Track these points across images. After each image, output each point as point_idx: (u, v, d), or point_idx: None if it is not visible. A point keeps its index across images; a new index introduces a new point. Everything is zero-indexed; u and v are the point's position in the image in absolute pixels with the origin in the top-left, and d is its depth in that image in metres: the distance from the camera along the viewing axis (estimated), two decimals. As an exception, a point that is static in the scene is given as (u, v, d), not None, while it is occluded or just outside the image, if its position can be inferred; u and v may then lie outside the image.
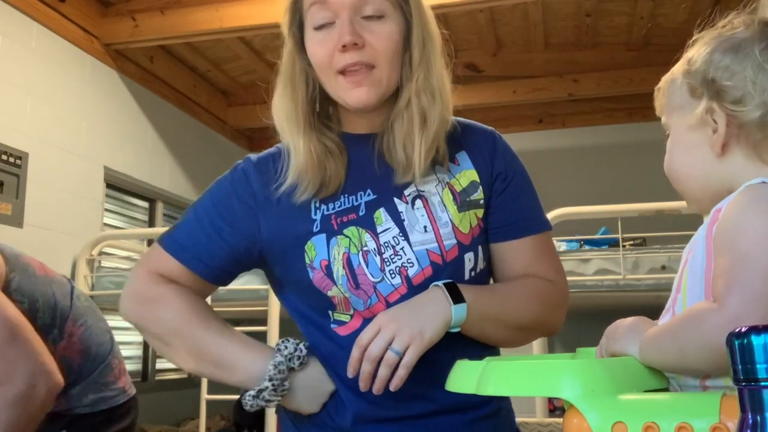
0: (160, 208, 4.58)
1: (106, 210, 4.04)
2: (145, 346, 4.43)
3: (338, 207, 1.03)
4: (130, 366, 4.26)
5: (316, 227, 1.02)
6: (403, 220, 1.01)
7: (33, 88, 3.38)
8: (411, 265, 0.99)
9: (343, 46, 0.96)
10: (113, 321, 4.10)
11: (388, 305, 0.98)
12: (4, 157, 3.15)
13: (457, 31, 4.41)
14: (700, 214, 0.81)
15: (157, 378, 4.48)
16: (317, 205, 1.03)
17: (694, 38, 0.82)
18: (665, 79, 0.83)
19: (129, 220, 4.35)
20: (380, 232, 1.01)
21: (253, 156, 1.11)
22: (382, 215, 1.02)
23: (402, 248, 1.00)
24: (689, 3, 3.98)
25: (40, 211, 3.36)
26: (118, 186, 4.17)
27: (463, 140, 1.08)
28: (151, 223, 4.52)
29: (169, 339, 1.05)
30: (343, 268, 0.99)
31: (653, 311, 0.82)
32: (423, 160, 1.00)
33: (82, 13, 3.78)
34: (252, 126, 5.48)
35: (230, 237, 1.05)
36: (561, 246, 3.23)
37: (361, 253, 0.99)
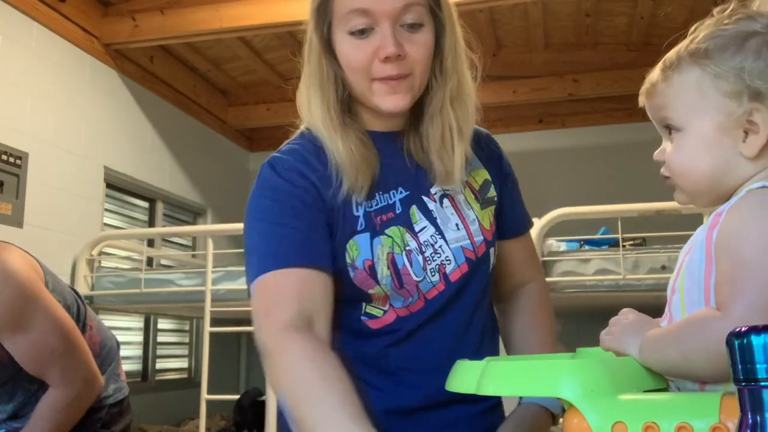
0: (160, 208, 4.58)
1: (106, 210, 4.03)
2: (145, 346, 4.43)
3: (376, 205, 1.02)
4: (131, 366, 4.26)
5: (361, 225, 1.00)
6: (436, 218, 1.04)
7: (33, 88, 3.38)
8: (449, 262, 1.03)
9: (386, 58, 0.95)
10: (114, 321, 4.12)
11: (426, 302, 1.01)
12: (4, 157, 3.15)
13: (457, 31, 4.40)
14: (697, 207, 0.80)
15: (157, 378, 4.48)
16: (358, 201, 1.01)
17: (695, 28, 0.78)
18: (670, 74, 0.78)
19: (129, 220, 4.35)
20: (418, 231, 1.02)
21: (277, 154, 1.04)
22: (416, 213, 1.03)
23: (440, 246, 1.03)
24: (689, 3, 3.98)
25: (40, 211, 3.36)
26: (118, 186, 4.17)
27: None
28: (151, 223, 4.52)
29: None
30: (388, 268, 0.99)
31: (653, 311, 0.81)
32: (462, 168, 1.03)
33: (82, 13, 3.78)
34: (252, 126, 5.48)
35: (316, 223, 0.99)
36: (561, 246, 3.23)
37: (404, 252, 1.00)
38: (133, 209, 4.41)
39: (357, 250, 1.00)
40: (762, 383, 0.44)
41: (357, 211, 1.01)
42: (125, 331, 4.29)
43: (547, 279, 3.03)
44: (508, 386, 0.66)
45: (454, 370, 0.77)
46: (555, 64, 4.77)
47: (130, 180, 4.20)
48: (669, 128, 0.79)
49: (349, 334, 1.03)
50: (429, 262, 1.01)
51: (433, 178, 1.04)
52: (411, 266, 1.00)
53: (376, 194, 1.02)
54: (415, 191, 1.04)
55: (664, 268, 2.90)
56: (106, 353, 1.65)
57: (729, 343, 0.47)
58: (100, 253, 3.69)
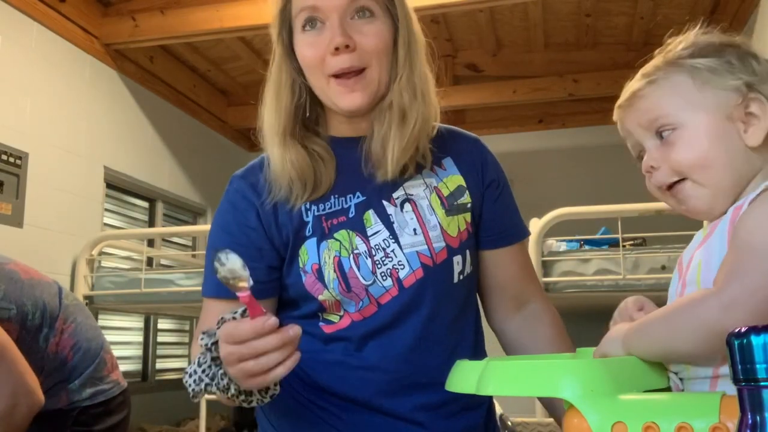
0: (160, 208, 4.58)
1: (106, 210, 4.04)
2: (145, 346, 4.43)
3: (328, 208, 1.03)
4: (131, 366, 4.27)
5: (309, 231, 1.02)
6: (393, 223, 1.02)
7: (33, 88, 3.38)
8: (402, 267, 1.00)
9: (336, 49, 0.96)
10: (114, 321, 4.12)
11: (380, 307, 1.00)
12: (4, 157, 3.15)
13: (457, 31, 4.41)
14: (704, 215, 0.80)
15: (157, 378, 4.48)
16: (308, 206, 1.03)
17: (659, 51, 0.86)
18: (659, 76, 0.81)
19: (129, 220, 4.35)
20: (370, 235, 1.01)
21: (239, 172, 1.10)
22: (371, 217, 1.02)
23: (393, 250, 1.01)
24: (689, 3, 3.98)
25: (40, 211, 3.36)
26: (118, 186, 4.17)
27: (449, 146, 1.09)
28: (151, 223, 4.52)
29: None
30: (334, 271, 0.99)
31: (653, 311, 0.82)
32: (397, 157, 1.00)
33: (82, 13, 3.78)
34: (252, 126, 5.41)
35: (262, 257, 1.02)
36: (561, 246, 3.23)
37: (351, 256, 1.00)
38: (133, 209, 4.41)
39: (306, 254, 1.01)
40: (762, 383, 0.44)
41: (307, 216, 1.02)
42: (126, 331, 4.29)
43: (547, 279, 3.04)
44: (507, 386, 0.66)
45: (454, 370, 0.76)
46: (555, 64, 4.77)
47: (130, 180, 4.20)
48: (661, 130, 0.80)
49: (306, 346, 1.01)
50: (379, 265, 1.00)
51: (375, 171, 1.03)
52: (358, 270, 0.99)
53: (332, 197, 1.03)
54: (373, 196, 1.03)
55: (664, 268, 2.90)
56: (80, 357, 1.62)
57: (729, 343, 0.47)
58: (100, 253, 3.69)
